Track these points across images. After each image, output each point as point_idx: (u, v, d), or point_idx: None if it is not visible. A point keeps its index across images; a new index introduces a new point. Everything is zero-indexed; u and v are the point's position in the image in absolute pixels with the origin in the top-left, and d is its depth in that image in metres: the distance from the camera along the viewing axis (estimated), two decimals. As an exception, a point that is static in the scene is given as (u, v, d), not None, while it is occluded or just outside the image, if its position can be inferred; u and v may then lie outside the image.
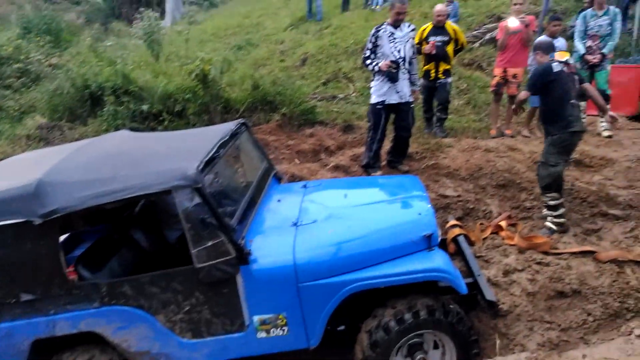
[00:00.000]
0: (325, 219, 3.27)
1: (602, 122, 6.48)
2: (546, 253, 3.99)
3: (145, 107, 7.12)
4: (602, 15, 6.29)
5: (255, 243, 3.02)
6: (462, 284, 3.02)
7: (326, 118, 7.59)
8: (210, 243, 2.85)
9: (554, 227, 4.33)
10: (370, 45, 5.28)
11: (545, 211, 4.44)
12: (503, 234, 4.32)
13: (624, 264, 3.72)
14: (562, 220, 4.32)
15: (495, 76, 6.58)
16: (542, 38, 5.21)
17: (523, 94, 4.46)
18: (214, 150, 3.19)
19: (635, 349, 2.75)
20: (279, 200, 3.62)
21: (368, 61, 5.29)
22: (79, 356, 3.07)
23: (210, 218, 2.81)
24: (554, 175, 4.22)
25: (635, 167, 5.39)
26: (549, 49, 4.56)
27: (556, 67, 4.22)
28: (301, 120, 7.39)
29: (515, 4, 6.39)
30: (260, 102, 7.41)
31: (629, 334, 2.97)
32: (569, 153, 4.47)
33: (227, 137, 3.49)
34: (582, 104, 6.63)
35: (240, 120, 3.91)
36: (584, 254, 3.92)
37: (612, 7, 6.41)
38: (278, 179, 4.12)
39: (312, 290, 2.94)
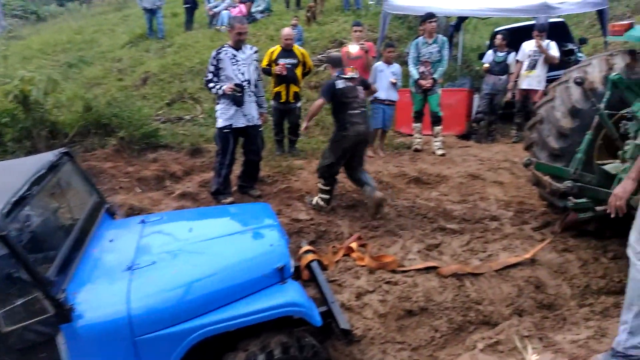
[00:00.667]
0: (166, 259, 2.93)
1: (435, 141, 7.00)
2: (394, 271, 4.08)
3: (-52, 134, 6.00)
4: (432, 43, 6.82)
5: (80, 295, 2.57)
6: (316, 317, 2.89)
7: (171, 141, 7.15)
8: (20, 301, 2.36)
9: (319, 202, 5.17)
10: (212, 68, 5.05)
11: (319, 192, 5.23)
12: (354, 255, 4.34)
13: (464, 277, 3.93)
14: (322, 203, 5.16)
15: None
16: (334, 54, 5.68)
17: (318, 102, 5.00)
18: (25, 188, 2.67)
19: (480, 363, 2.85)
20: (111, 240, 3.18)
21: (211, 84, 5.06)
22: None
23: (18, 272, 2.32)
24: (323, 167, 5.05)
25: (466, 182, 5.86)
26: (338, 64, 5.16)
27: (339, 84, 4.89)
28: (142, 144, 6.85)
29: (355, 31, 6.70)
30: (93, 126, 6.69)
31: (473, 349, 3.10)
32: (344, 153, 4.99)
33: (44, 171, 2.96)
34: (418, 125, 7.14)
35: (62, 150, 3.38)
36: (428, 269, 4.08)
37: (440, 36, 7.00)
38: (111, 214, 3.65)
39: (152, 343, 2.58)
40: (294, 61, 6.55)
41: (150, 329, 2.57)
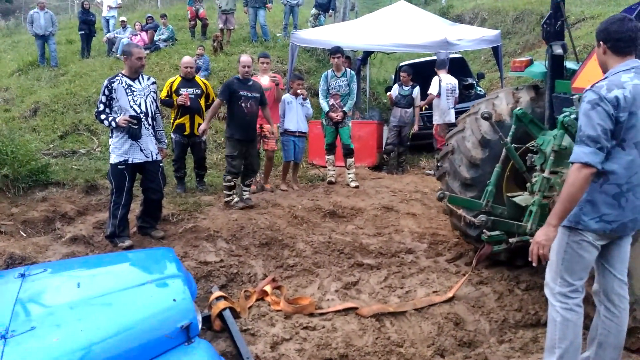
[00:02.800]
0: (48, 323, 2.47)
1: (349, 173, 6.94)
2: (312, 315, 3.84)
3: None
4: (340, 77, 6.82)
5: None
6: (228, 380, 2.57)
7: (64, 178, 6.50)
8: None
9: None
10: (103, 98, 4.63)
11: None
12: (269, 299, 4.05)
13: (384, 317, 3.77)
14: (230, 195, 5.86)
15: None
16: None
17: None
18: None
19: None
20: (-21, 301, 2.66)
21: (102, 116, 4.62)
22: None
23: None
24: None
25: (380, 215, 5.81)
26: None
27: None
28: (30, 181, 6.15)
29: (262, 63, 6.53)
30: (-30, 162, 5.90)
31: (398, 398, 2.91)
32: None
33: None
34: (331, 157, 7.07)
35: None
36: (347, 310, 3.89)
37: (348, 70, 7.03)
38: (-19, 269, 3.10)
39: None
40: (197, 91, 6.29)
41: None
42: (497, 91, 4.51)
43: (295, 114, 6.69)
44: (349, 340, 3.54)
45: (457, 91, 8.06)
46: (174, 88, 6.23)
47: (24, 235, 5.22)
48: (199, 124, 6.24)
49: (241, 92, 5.74)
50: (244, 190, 6.01)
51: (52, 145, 7.77)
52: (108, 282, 2.99)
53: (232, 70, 10.46)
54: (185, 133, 6.28)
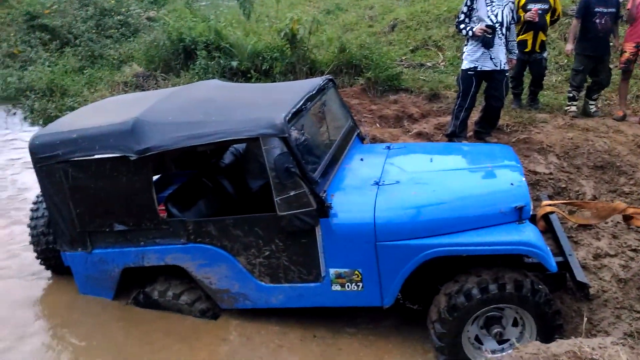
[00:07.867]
0: (408, 181, 3.19)
1: None
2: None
3: (234, 64, 7.29)
4: None
5: (336, 198, 3.01)
6: (552, 262, 2.84)
7: (412, 86, 7.39)
8: (292, 193, 2.88)
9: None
10: (465, 9, 4.98)
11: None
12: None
13: None
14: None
15: (624, 52, 5.91)
16: None
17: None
18: (301, 103, 3.18)
19: None
20: (361, 159, 3.58)
21: (462, 25, 5.00)
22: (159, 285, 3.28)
23: (294, 168, 2.82)
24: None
25: None
26: None
27: None
28: (385, 86, 7.25)
29: None
30: (345, 65, 7.32)
31: None
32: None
33: (314, 92, 3.46)
34: None
35: (327, 77, 3.87)
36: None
37: None
38: (361, 139, 4.06)
39: (390, 250, 2.90)
40: (545, 6, 6.01)
41: (390, 237, 2.89)
42: None
43: None
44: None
45: None
46: (521, 3, 6.12)
47: (379, 126, 6.32)
48: (542, 41, 6.11)
49: (597, 9, 5.61)
50: (590, 104, 6.06)
51: (404, 58, 8.78)
52: (455, 161, 3.57)
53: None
54: (526, 50, 6.19)
